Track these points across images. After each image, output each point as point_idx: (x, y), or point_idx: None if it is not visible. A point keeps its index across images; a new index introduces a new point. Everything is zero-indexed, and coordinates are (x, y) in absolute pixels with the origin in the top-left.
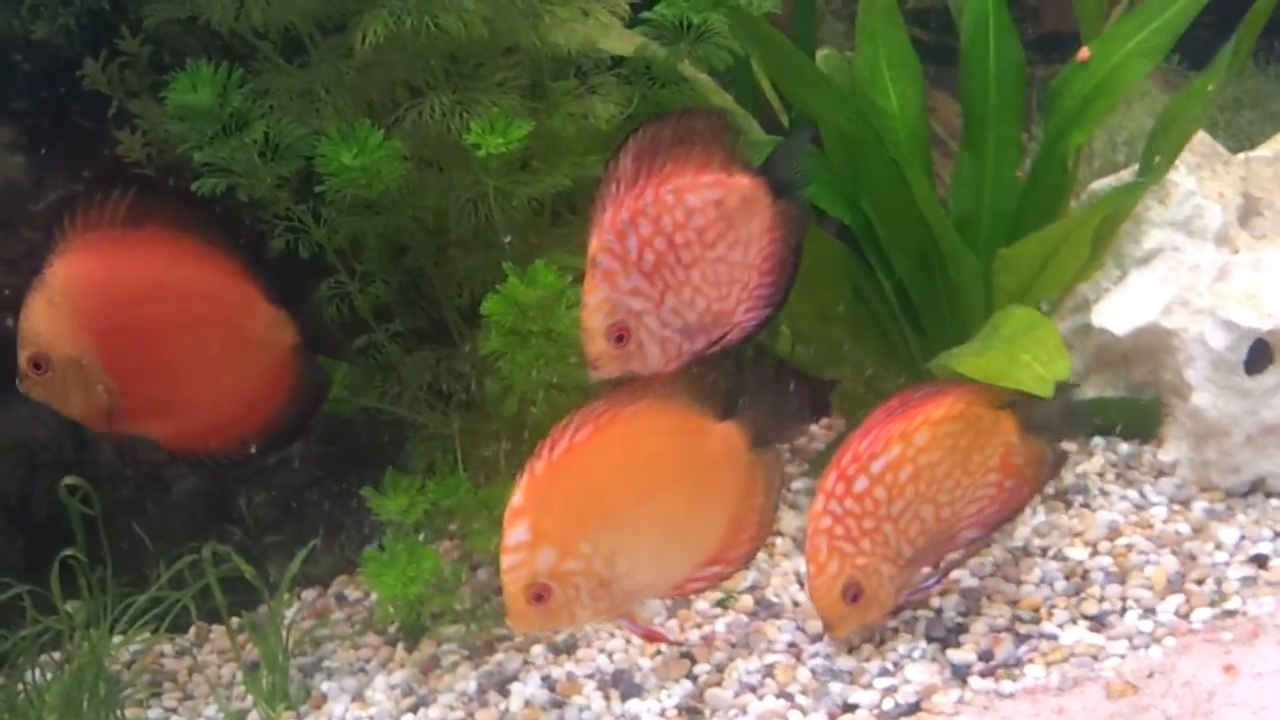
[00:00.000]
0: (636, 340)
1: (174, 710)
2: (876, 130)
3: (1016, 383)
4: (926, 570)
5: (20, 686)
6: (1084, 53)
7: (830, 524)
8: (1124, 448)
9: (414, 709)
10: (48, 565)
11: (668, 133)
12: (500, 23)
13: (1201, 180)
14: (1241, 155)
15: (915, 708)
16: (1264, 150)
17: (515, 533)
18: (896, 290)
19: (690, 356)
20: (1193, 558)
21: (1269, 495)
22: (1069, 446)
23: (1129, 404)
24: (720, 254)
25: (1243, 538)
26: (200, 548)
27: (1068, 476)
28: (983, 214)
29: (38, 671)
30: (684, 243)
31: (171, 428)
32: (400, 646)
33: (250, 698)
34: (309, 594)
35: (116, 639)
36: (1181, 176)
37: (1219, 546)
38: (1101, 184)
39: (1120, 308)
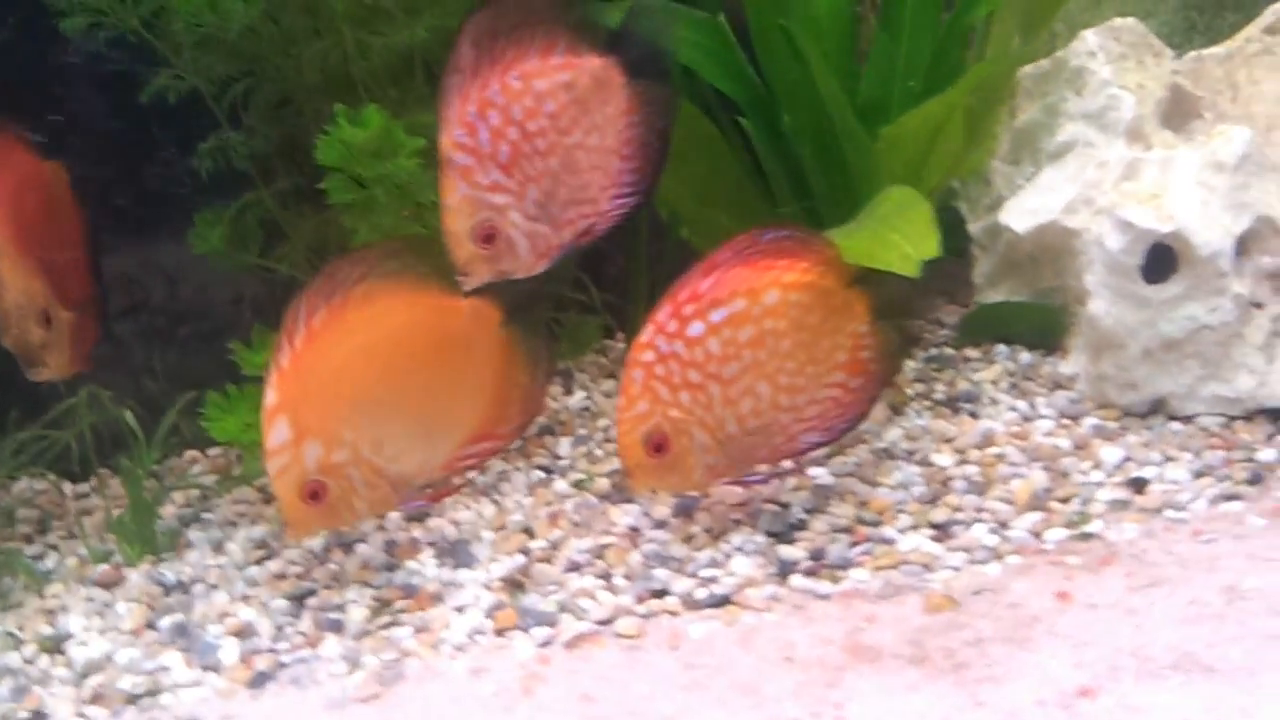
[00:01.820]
0: (505, 238)
1: (54, 547)
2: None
3: (884, 263)
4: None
5: None
6: None
7: (652, 359)
8: (1025, 357)
9: (259, 561)
10: None
11: (507, 15)
12: None
13: (1123, 71)
14: (1193, 53)
15: (725, 600)
16: (1217, 49)
17: (276, 432)
18: (792, 173)
19: (561, 249)
20: (1065, 475)
21: (1171, 418)
22: (972, 353)
23: (1033, 310)
24: (578, 140)
25: (1126, 459)
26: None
27: (962, 383)
28: (894, 97)
29: None
30: (538, 130)
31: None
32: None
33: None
34: (215, 451)
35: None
36: (1099, 65)
37: (1097, 466)
38: (1024, 71)
39: (1025, 205)
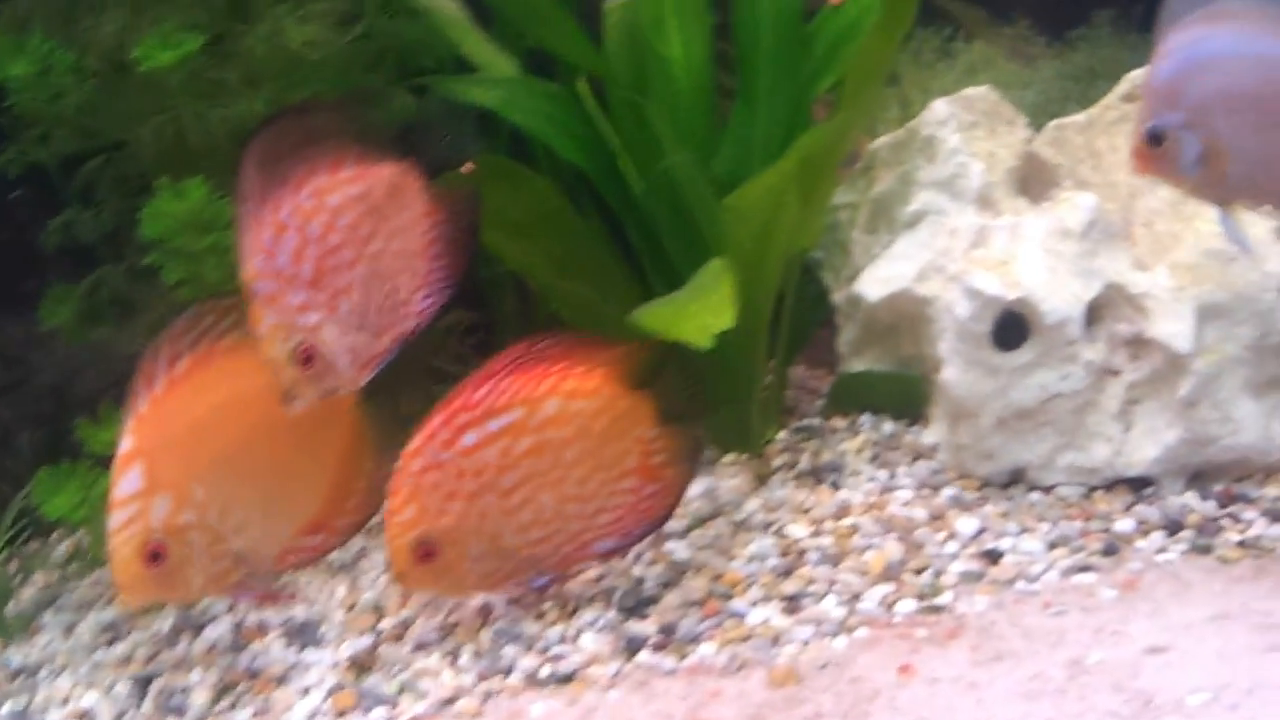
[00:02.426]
0: (323, 357)
1: None
2: (642, 76)
3: (681, 333)
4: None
5: None
6: None
7: (421, 467)
8: (889, 426)
9: (108, 644)
10: None
11: (290, 133)
12: None
13: (974, 139)
14: (1054, 122)
15: (569, 678)
16: (1078, 117)
17: (127, 481)
18: (652, 243)
19: (384, 356)
20: (919, 546)
21: (1031, 488)
22: (838, 423)
23: (895, 379)
24: (381, 247)
25: (982, 530)
26: None
27: (826, 454)
28: (754, 168)
29: None
30: (339, 244)
31: None
32: None
33: None
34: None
35: None
36: (949, 133)
37: (952, 537)
38: (880, 140)
39: (879, 274)
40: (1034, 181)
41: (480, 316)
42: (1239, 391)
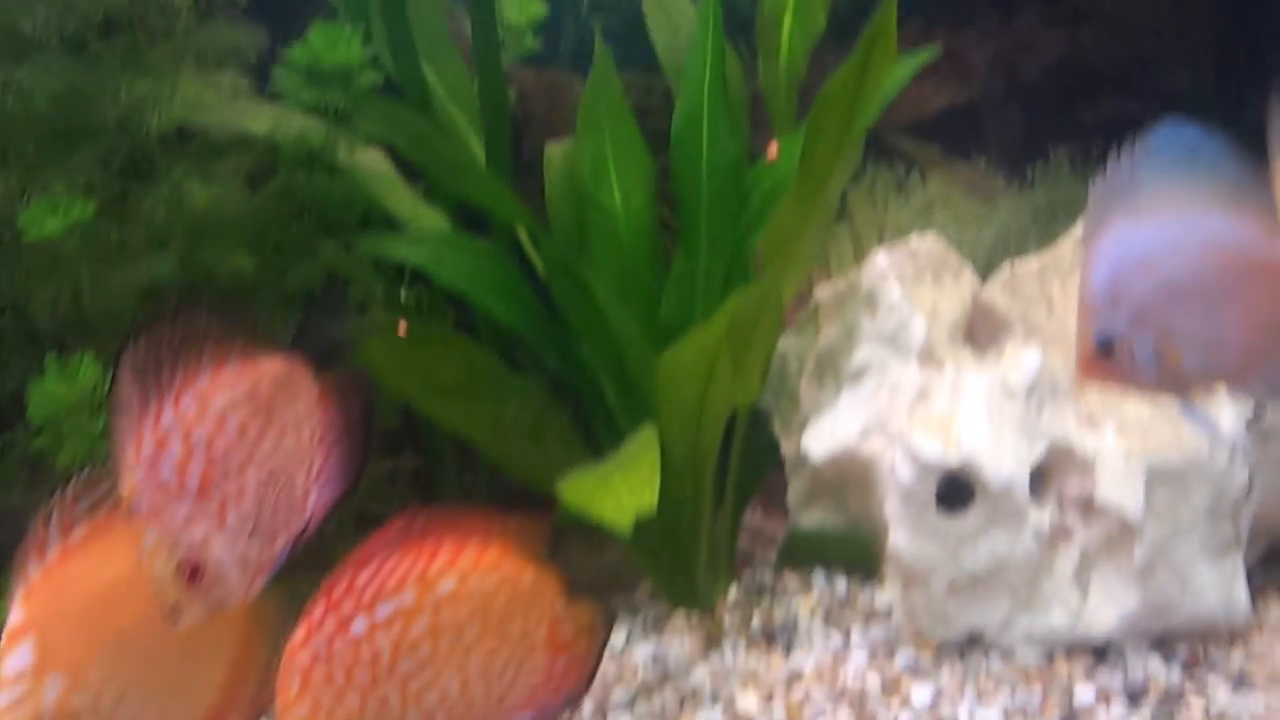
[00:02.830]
0: (211, 571)
1: None
2: (583, 224)
3: (600, 511)
4: None
5: None
6: (773, 149)
7: (309, 662)
8: (842, 584)
9: None
10: None
11: (168, 337)
12: (73, 99)
13: (918, 291)
14: (1007, 266)
15: None
16: (1031, 261)
17: (16, 657)
18: (593, 399)
19: (275, 563)
20: (873, 716)
21: (988, 651)
22: (791, 579)
23: (846, 538)
24: (271, 447)
25: (938, 696)
26: None
27: (779, 612)
28: (696, 317)
29: None
30: (227, 449)
31: None
32: None
33: None
34: None
35: None
36: (890, 286)
37: (906, 704)
38: (824, 291)
39: (823, 430)
40: (984, 329)
41: (421, 461)
42: (1196, 556)
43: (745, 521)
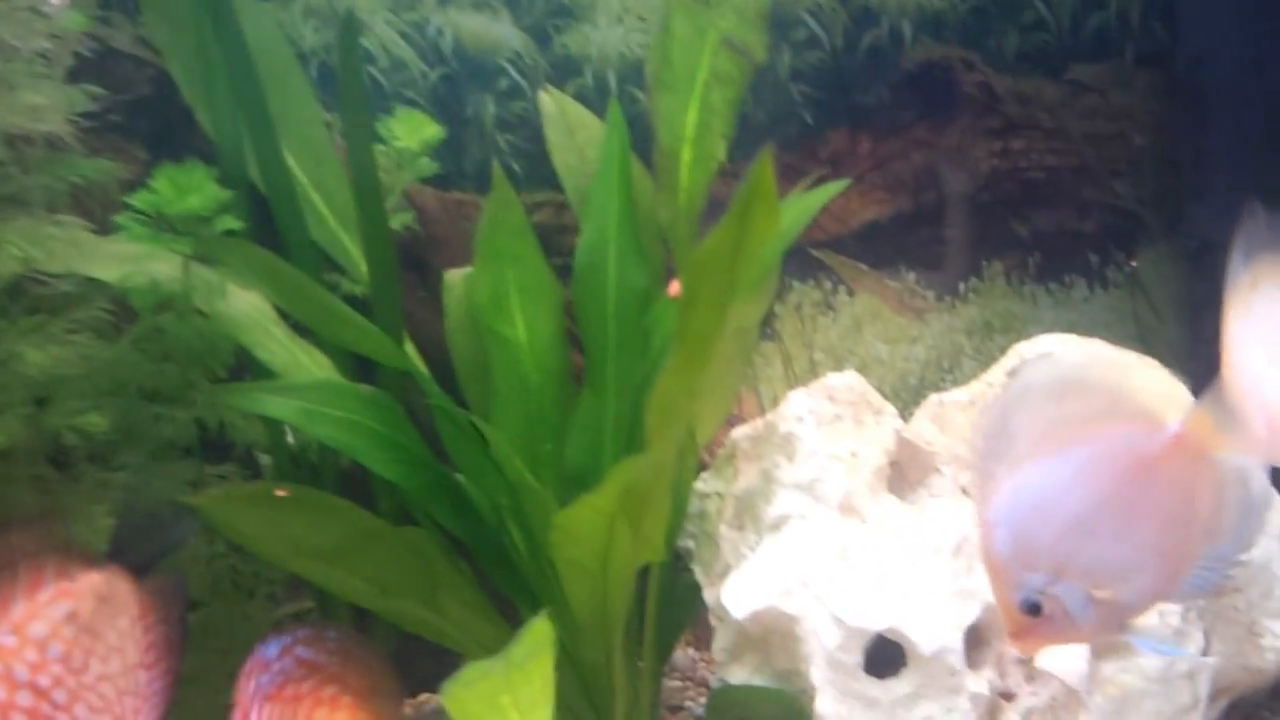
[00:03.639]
0: None
1: None
2: (484, 358)
3: None
4: None
5: None
6: (674, 287)
7: None
8: None
9: None
10: None
11: None
12: None
13: (838, 435)
14: (935, 397)
15: None
16: (959, 393)
17: None
18: (498, 555)
19: None
20: None
21: None
22: None
23: (774, 696)
24: (99, 672)
25: None
26: None
27: None
28: (604, 464)
29: None
30: (52, 683)
31: None
32: None
33: None
34: None
35: None
36: (808, 430)
37: None
38: (740, 431)
39: (743, 585)
40: (911, 468)
41: (314, 601)
42: None
43: (678, 663)
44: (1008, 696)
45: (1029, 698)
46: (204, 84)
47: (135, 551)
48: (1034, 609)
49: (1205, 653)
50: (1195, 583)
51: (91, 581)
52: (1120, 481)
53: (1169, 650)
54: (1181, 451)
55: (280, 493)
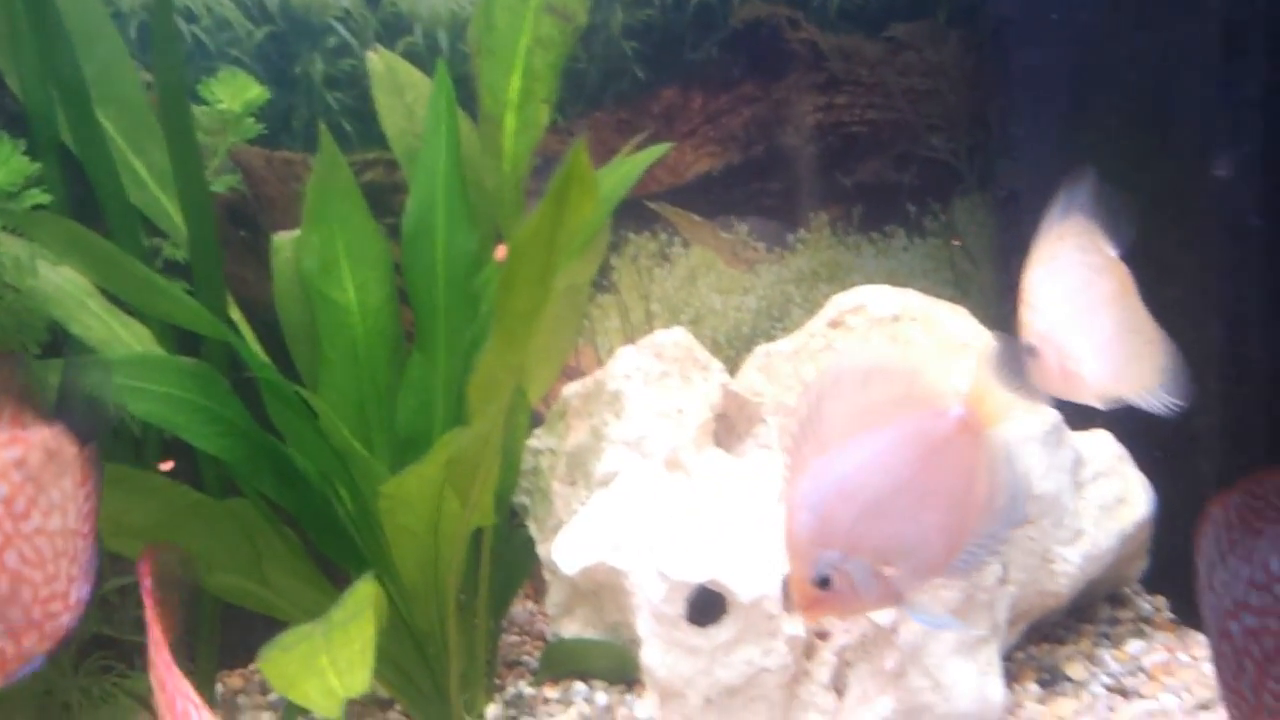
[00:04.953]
0: None
1: None
2: (313, 322)
3: (305, 697)
4: None
5: None
6: (501, 251)
7: None
8: (602, 697)
9: None
10: None
11: None
12: None
13: (666, 390)
14: (761, 348)
15: None
16: (783, 344)
17: None
18: (327, 524)
19: (26, 664)
20: None
21: None
22: (550, 691)
23: (605, 649)
24: (38, 524)
25: None
26: None
27: None
28: (435, 426)
29: None
30: None
31: None
32: None
33: None
34: None
35: None
36: (635, 388)
37: None
38: (570, 389)
39: (573, 541)
40: (740, 419)
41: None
42: (949, 656)
43: (517, 617)
44: (823, 636)
45: (842, 636)
46: (9, 45)
47: (77, 420)
48: (824, 583)
49: (1003, 581)
50: (968, 559)
51: (42, 435)
52: (913, 464)
53: (941, 623)
54: (964, 433)
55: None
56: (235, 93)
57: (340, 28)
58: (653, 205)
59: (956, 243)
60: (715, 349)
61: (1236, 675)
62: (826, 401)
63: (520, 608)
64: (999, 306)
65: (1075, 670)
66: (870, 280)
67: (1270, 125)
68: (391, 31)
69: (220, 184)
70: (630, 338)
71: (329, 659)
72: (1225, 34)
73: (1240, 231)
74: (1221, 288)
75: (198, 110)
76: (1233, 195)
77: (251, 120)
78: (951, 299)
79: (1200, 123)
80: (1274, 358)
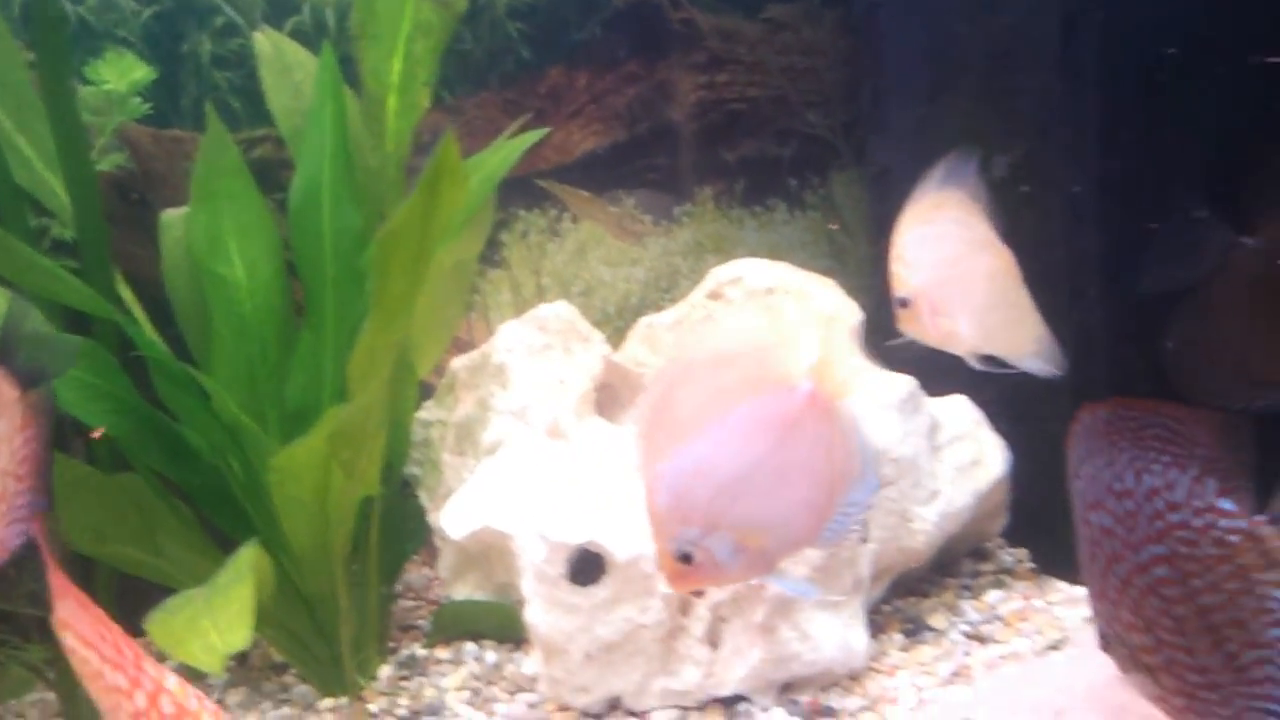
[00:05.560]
0: None
1: None
2: (203, 298)
3: (188, 655)
4: None
5: None
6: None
7: None
8: (491, 656)
9: None
10: None
11: None
12: None
13: (547, 362)
14: (644, 320)
15: None
16: (665, 315)
17: None
18: (217, 495)
19: None
20: None
21: (629, 714)
22: (442, 653)
23: (494, 609)
24: None
25: None
26: None
27: (429, 691)
28: (325, 399)
29: None
30: None
31: None
32: None
33: None
34: None
35: None
36: (518, 360)
37: None
38: (458, 361)
39: (460, 507)
40: (623, 389)
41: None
42: (815, 610)
43: (413, 583)
44: (697, 594)
45: (716, 592)
46: None
47: (19, 362)
48: (686, 559)
49: (864, 540)
50: (834, 528)
51: None
52: (768, 440)
53: (803, 590)
54: (814, 407)
55: None
56: (121, 73)
57: (227, 7)
58: (542, 183)
59: (833, 226)
60: (606, 320)
61: (1091, 559)
62: (678, 388)
63: (416, 574)
64: (872, 277)
65: (937, 620)
66: (754, 252)
67: (1106, 103)
68: (279, 11)
69: (107, 162)
70: (521, 311)
71: (211, 620)
72: (1063, 17)
73: (1078, 204)
74: (1065, 257)
75: (84, 91)
76: (1071, 170)
77: (138, 100)
78: (829, 270)
79: (1040, 102)
80: (1113, 324)
